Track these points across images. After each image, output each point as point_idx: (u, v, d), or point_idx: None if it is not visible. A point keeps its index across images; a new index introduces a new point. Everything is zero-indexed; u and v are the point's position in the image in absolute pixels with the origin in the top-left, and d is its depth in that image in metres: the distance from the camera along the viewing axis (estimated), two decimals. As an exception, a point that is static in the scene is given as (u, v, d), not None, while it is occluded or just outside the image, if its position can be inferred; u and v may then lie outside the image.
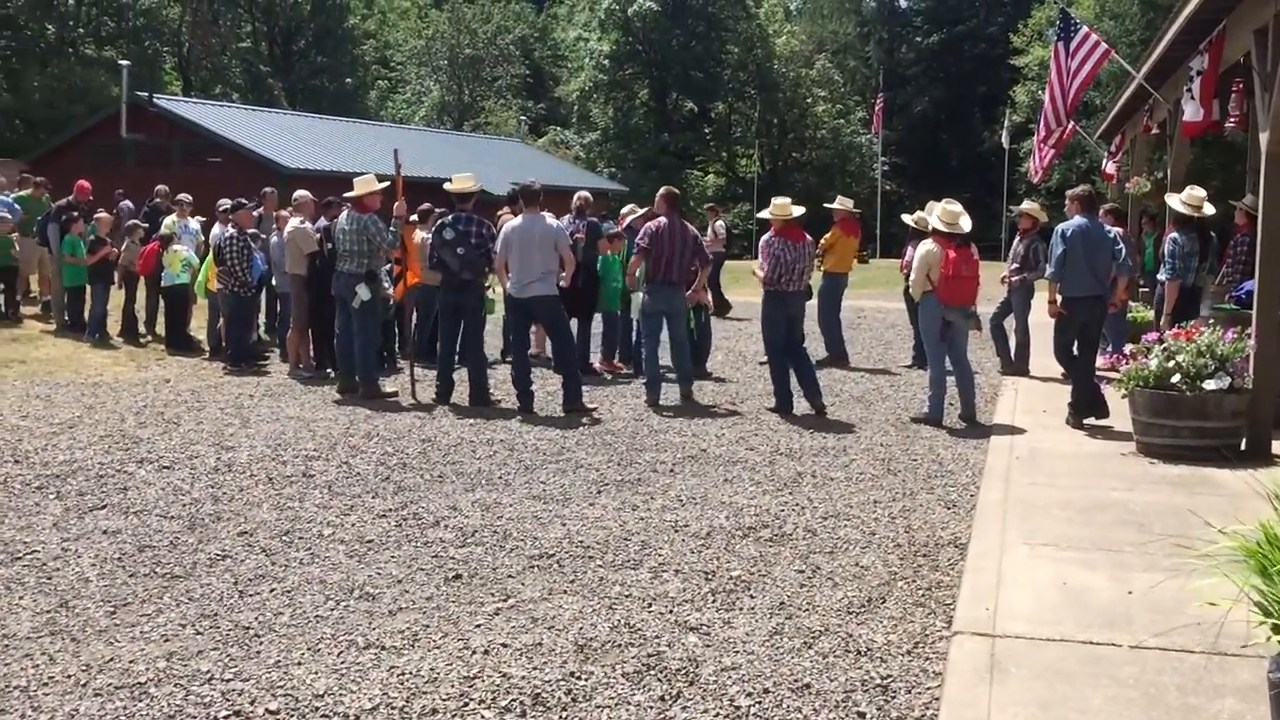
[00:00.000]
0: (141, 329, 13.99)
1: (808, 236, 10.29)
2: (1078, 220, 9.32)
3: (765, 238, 10.93)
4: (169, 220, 13.84)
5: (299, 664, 4.26)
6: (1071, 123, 17.62)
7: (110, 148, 30.02)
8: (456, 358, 10.41)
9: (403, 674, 4.19)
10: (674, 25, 56.57)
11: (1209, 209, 10.03)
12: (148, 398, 10.21)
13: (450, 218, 10.15)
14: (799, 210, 10.50)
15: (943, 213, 9.77)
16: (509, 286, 9.79)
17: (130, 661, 4.25)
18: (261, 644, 4.46)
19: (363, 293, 10.27)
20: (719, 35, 57.20)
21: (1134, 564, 5.56)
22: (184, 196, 14.23)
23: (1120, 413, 8.73)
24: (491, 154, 42.73)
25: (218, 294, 12.55)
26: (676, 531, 6.24)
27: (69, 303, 13.90)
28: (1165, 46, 11.58)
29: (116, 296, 14.33)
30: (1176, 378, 7.99)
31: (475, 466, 7.75)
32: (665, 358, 11.67)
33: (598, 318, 12.53)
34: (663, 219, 10.30)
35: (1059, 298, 9.43)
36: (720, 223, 15.95)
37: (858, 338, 16.14)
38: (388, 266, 11.32)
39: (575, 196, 12.56)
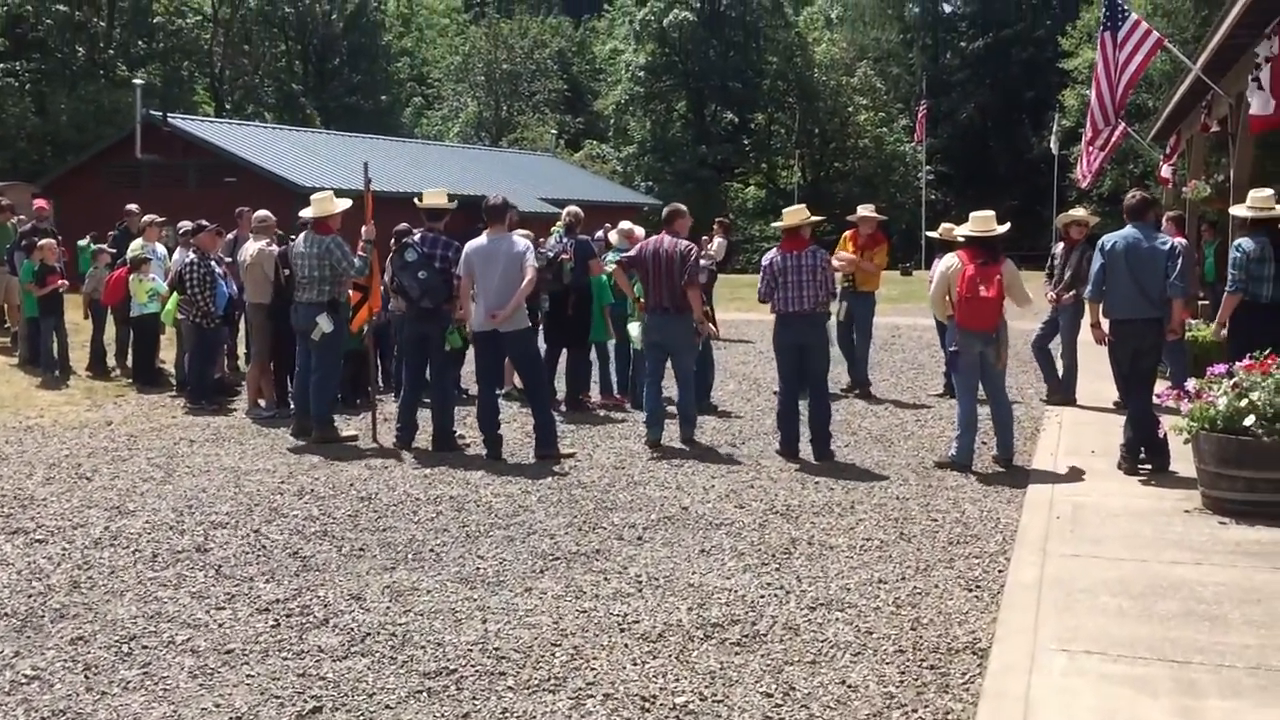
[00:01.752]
0: (111, 361, 13.00)
1: (814, 246, 8.93)
2: (1124, 231, 8.01)
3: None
4: (135, 244, 12.80)
5: None
6: (1122, 123, 16.20)
7: (126, 169, 29.34)
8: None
9: None
10: (711, 35, 55.48)
11: None
12: (77, 445, 9.14)
13: (417, 237, 9.00)
14: (815, 218, 9.19)
15: (973, 220, 8.47)
16: (472, 317, 8.60)
17: None
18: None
19: (324, 324, 9.14)
20: (757, 45, 56.11)
21: (1208, 686, 4.23)
22: (151, 217, 13.19)
23: (1183, 457, 7.37)
24: (523, 169, 41.82)
25: (179, 325, 11.52)
26: (623, 631, 4.99)
27: (30, 335, 12.94)
28: (1226, 31, 10.20)
29: (86, 328, 13.38)
30: (1250, 419, 6.61)
31: (409, 534, 6.55)
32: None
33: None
34: (652, 238, 9.11)
35: (1104, 321, 8.15)
36: (719, 240, 14.48)
37: (888, 360, 14.81)
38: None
39: (565, 212, 11.36)
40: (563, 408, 10.76)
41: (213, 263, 11.22)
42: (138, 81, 30.98)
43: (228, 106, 53.63)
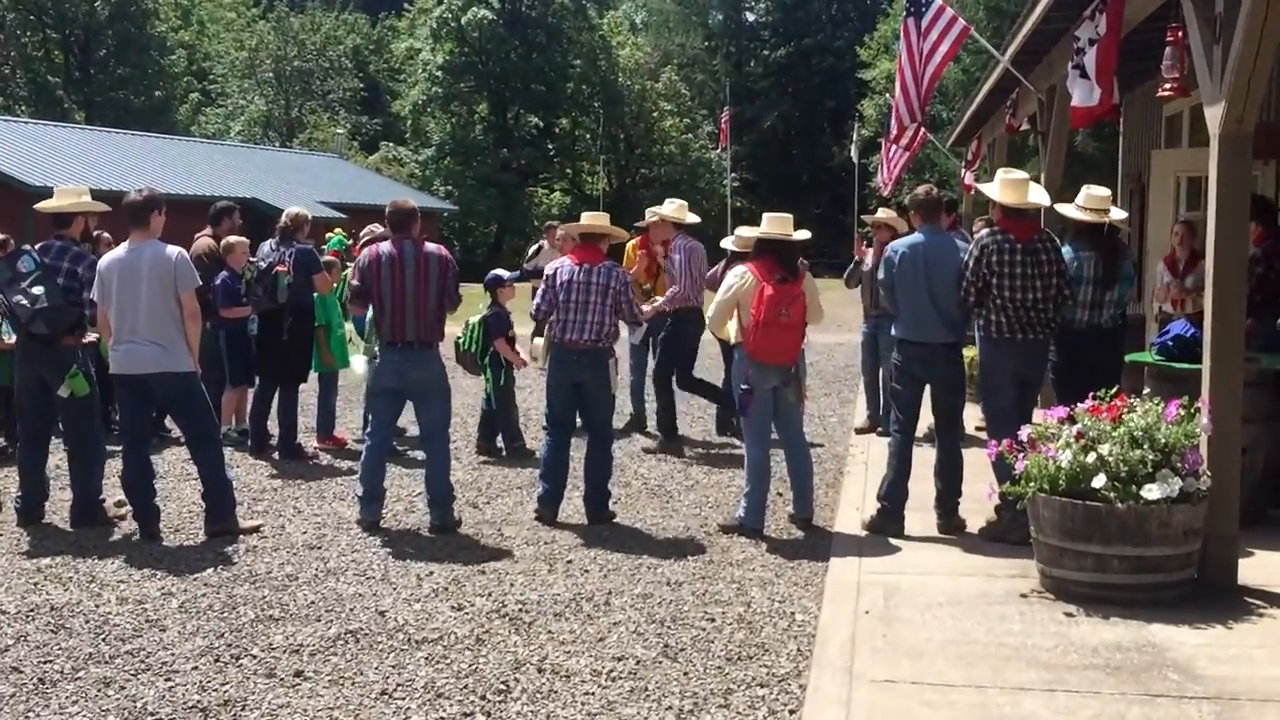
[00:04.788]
0: None
1: (611, 263, 7.15)
2: (911, 238, 6.62)
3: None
4: None
5: None
6: (923, 129, 15.21)
7: None
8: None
9: None
10: (512, 36, 53.43)
11: (1117, 214, 7.25)
12: None
13: (39, 246, 6.80)
14: (613, 227, 7.44)
15: (768, 221, 6.86)
16: (110, 351, 6.48)
17: None
18: None
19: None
20: (560, 47, 54.34)
21: None
22: None
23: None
24: (305, 171, 38.95)
25: None
26: None
27: None
28: (1040, 14, 8.98)
29: None
30: (1100, 480, 5.20)
31: (-51, 683, 4.46)
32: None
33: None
34: (385, 245, 6.80)
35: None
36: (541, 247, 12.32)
37: (680, 384, 13.22)
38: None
39: (284, 215, 9.27)
40: (275, 455, 8.73)
41: None
42: None
43: (-21, 100, 48.54)
